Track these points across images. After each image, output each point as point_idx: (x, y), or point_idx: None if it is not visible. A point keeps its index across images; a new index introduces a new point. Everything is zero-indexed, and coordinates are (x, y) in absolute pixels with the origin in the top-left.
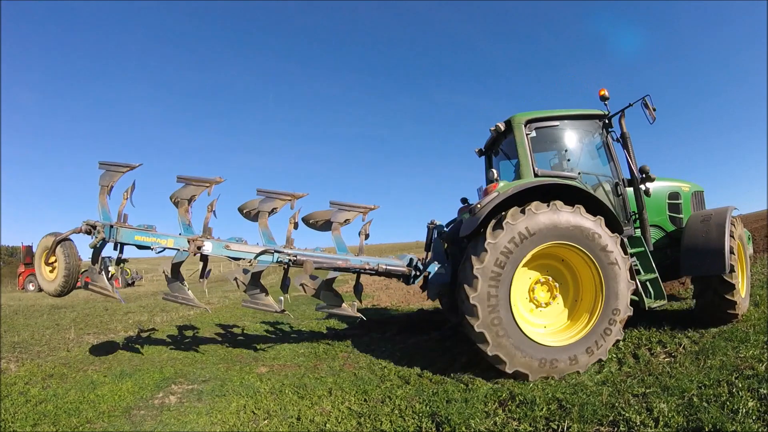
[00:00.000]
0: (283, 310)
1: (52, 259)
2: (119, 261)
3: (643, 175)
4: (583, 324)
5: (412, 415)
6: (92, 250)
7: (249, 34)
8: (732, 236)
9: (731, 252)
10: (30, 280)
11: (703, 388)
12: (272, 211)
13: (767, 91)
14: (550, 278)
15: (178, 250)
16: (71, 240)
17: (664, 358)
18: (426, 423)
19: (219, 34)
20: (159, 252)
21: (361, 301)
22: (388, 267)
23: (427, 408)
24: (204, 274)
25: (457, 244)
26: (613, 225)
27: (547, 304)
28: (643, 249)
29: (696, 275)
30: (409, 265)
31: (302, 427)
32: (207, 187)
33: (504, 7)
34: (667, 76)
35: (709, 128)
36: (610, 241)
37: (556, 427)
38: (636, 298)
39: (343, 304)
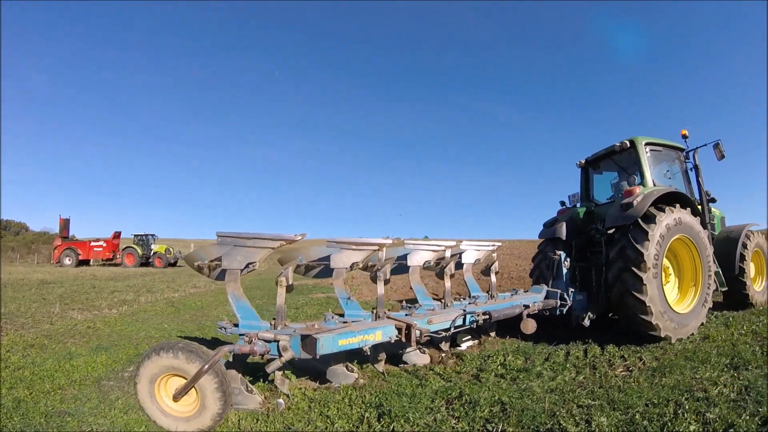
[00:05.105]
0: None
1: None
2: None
3: (709, 197)
4: (692, 296)
5: (360, 404)
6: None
7: (256, 28)
8: (747, 242)
9: (743, 251)
10: (66, 254)
11: (649, 405)
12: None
13: (767, 96)
14: (667, 264)
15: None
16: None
17: (621, 372)
18: (370, 412)
19: (227, 24)
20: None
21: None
22: (544, 304)
23: (376, 399)
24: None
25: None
26: (703, 226)
27: (665, 283)
28: None
29: (723, 270)
30: (553, 297)
31: None
32: (377, 250)
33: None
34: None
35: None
36: (705, 235)
37: (491, 429)
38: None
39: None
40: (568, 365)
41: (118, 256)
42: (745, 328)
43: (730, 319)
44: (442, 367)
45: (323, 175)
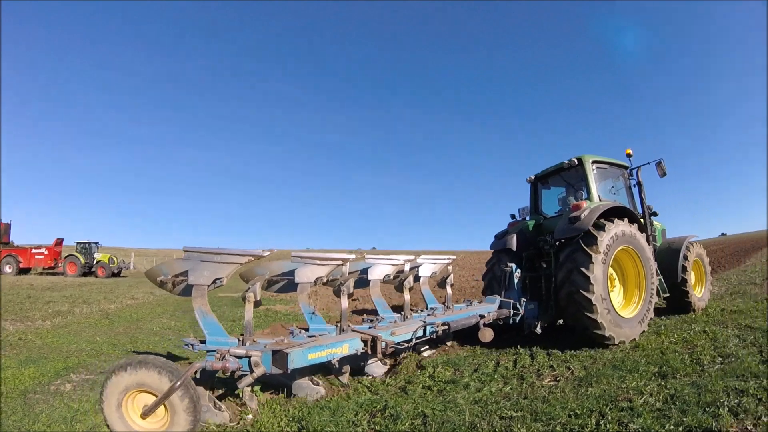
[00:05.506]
0: None
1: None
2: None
3: (650, 211)
4: (636, 301)
5: (283, 417)
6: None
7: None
8: (688, 253)
9: (685, 261)
10: (7, 262)
11: (572, 416)
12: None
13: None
14: (612, 273)
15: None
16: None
17: (549, 382)
18: (290, 426)
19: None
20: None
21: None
22: (498, 314)
23: (298, 413)
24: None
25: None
26: (646, 238)
27: (611, 290)
28: None
29: (666, 278)
30: (507, 307)
31: None
32: (341, 264)
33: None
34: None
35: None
36: (647, 245)
37: None
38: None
39: None
40: (496, 376)
41: (59, 265)
42: (675, 336)
43: (662, 327)
44: (371, 379)
45: (274, 183)
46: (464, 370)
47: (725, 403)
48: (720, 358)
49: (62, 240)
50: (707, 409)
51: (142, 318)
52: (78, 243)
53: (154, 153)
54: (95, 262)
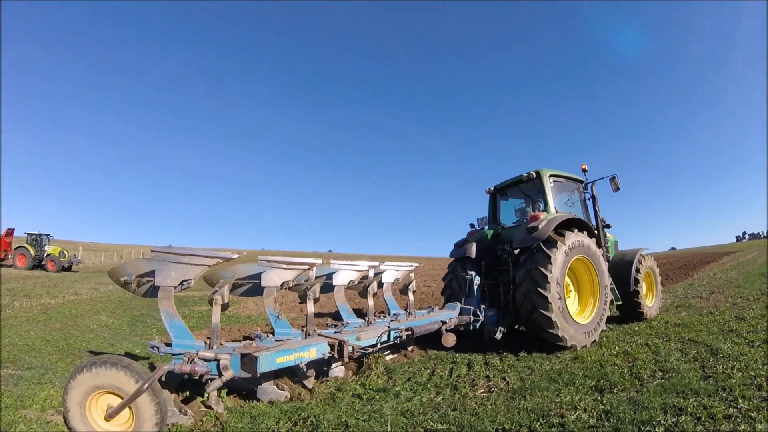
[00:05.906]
0: None
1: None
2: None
3: (604, 224)
4: (591, 308)
5: (203, 421)
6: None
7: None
8: (640, 264)
9: (637, 272)
10: None
11: (500, 431)
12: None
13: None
14: (568, 281)
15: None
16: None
17: (482, 393)
18: (210, 429)
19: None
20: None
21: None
22: (459, 320)
23: (219, 420)
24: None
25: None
26: (599, 249)
27: (567, 297)
28: None
29: (619, 288)
30: (467, 313)
31: None
32: (308, 269)
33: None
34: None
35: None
36: (601, 256)
37: None
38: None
39: None
40: (429, 385)
41: (9, 256)
42: (617, 348)
43: (604, 338)
44: (317, 383)
45: (231, 182)
46: (398, 378)
47: (662, 421)
48: (660, 373)
49: (13, 230)
50: (642, 428)
51: (81, 314)
52: (29, 234)
53: (106, 148)
54: (45, 255)
